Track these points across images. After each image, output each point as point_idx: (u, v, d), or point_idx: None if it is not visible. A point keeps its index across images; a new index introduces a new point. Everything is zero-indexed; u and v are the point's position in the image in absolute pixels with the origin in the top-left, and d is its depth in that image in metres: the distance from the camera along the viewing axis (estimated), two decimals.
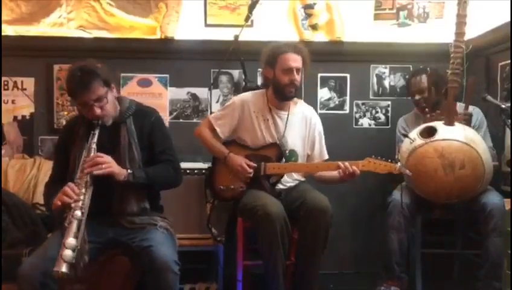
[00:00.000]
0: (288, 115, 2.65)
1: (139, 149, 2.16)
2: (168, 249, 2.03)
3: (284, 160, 2.60)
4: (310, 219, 2.39)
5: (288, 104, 2.67)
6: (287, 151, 2.62)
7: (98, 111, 2.06)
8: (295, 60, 2.55)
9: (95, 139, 2.07)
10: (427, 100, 2.87)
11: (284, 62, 2.55)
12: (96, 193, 1.99)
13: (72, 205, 1.90)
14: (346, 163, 2.42)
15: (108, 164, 2.03)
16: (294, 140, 2.65)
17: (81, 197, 1.92)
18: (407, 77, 3.41)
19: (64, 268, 1.76)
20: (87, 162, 2.01)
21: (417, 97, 2.94)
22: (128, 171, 2.08)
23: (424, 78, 2.91)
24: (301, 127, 2.69)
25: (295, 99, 2.73)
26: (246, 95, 2.75)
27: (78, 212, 1.88)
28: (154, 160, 2.21)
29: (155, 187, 2.22)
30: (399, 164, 2.40)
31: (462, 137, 2.52)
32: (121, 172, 2.06)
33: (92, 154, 2.04)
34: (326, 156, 2.74)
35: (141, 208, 2.16)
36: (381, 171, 2.40)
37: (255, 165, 2.55)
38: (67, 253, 1.78)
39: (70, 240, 1.81)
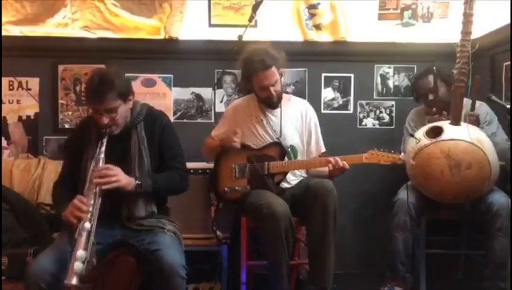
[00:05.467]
0: (281, 112, 2.69)
1: (148, 156, 2.17)
2: (175, 253, 2.04)
3: (286, 158, 2.62)
4: (318, 199, 2.40)
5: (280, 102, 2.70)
6: (288, 148, 2.64)
7: (105, 121, 2.07)
8: (267, 78, 2.57)
9: (103, 149, 2.06)
10: (438, 99, 2.82)
11: (258, 82, 2.60)
12: (105, 197, 2.00)
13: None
14: (337, 158, 2.46)
15: (117, 177, 2.02)
16: (292, 135, 2.69)
17: (90, 209, 1.93)
18: (411, 77, 3.42)
19: (74, 281, 1.78)
20: (95, 174, 2.01)
21: (431, 97, 2.86)
22: (137, 182, 2.08)
23: (431, 78, 2.86)
24: (297, 121, 2.73)
25: (287, 95, 2.79)
26: (238, 102, 2.83)
27: (87, 225, 1.90)
28: (163, 166, 2.22)
29: (162, 194, 2.25)
30: (402, 154, 2.42)
31: (468, 137, 2.50)
32: (128, 183, 2.06)
33: (100, 164, 2.04)
34: (323, 149, 2.76)
35: (149, 212, 2.17)
36: (384, 163, 2.42)
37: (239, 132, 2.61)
38: (78, 266, 1.80)
39: (80, 253, 1.83)
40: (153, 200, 2.19)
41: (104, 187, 1.99)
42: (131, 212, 2.13)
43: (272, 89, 2.59)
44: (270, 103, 2.66)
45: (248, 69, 2.60)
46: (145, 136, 2.19)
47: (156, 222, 2.17)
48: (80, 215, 1.91)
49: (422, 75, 2.95)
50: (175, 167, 2.22)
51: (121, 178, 2.03)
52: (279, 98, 2.67)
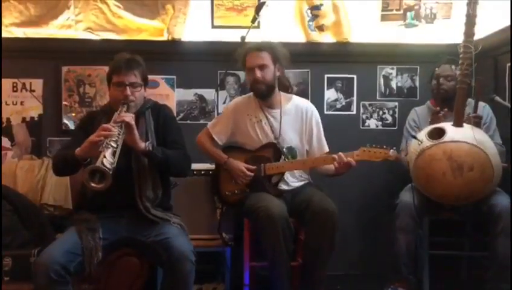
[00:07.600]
0: (280, 112, 2.66)
1: (155, 139, 2.26)
2: (184, 240, 2.13)
3: (282, 158, 2.61)
4: (316, 223, 2.39)
5: (279, 101, 2.67)
6: (284, 149, 2.63)
7: (129, 92, 2.22)
8: (255, 58, 2.57)
9: (125, 109, 2.19)
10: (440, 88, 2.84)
11: (247, 63, 2.60)
12: (117, 176, 1.99)
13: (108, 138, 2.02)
14: (341, 153, 2.44)
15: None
16: (291, 137, 2.66)
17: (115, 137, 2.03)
18: (413, 77, 3.43)
19: (105, 163, 1.89)
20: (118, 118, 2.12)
21: (441, 80, 2.86)
22: (148, 142, 2.18)
23: (454, 68, 2.85)
24: (296, 121, 2.69)
25: (288, 95, 2.75)
26: (238, 100, 2.82)
27: (113, 143, 1.99)
28: (167, 148, 2.28)
29: (169, 166, 2.25)
30: (392, 150, 2.38)
31: (471, 139, 2.49)
32: (141, 142, 2.14)
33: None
34: (326, 149, 2.72)
35: (156, 194, 2.23)
36: (376, 159, 2.39)
37: (254, 167, 2.58)
38: (109, 152, 1.92)
39: (109, 153, 1.93)
40: (160, 183, 2.25)
41: (126, 119, 2.09)
42: (142, 191, 2.18)
43: (258, 71, 2.55)
44: (259, 91, 2.60)
45: (242, 53, 2.61)
46: (152, 120, 2.31)
47: (161, 214, 2.22)
48: (108, 133, 2.00)
49: (449, 62, 2.91)
50: (178, 149, 2.30)
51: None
52: (269, 90, 2.60)
